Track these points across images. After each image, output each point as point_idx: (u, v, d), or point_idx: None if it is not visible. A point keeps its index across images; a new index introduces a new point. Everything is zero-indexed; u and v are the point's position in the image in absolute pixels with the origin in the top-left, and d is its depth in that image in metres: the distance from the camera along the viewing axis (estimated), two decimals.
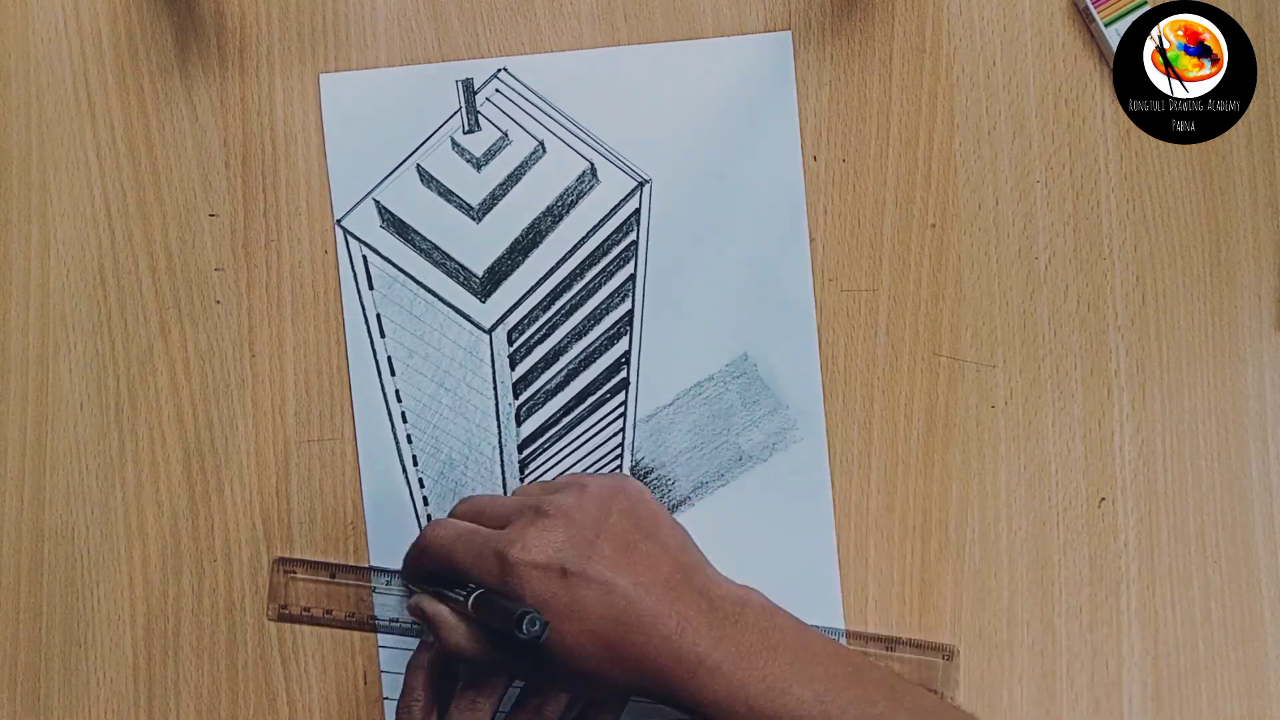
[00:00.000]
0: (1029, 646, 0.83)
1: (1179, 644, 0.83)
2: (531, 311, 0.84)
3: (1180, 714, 0.83)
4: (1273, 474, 0.84)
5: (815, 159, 0.84)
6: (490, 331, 0.84)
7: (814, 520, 0.84)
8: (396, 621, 0.84)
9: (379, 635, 0.84)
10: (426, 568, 0.77)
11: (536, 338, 0.84)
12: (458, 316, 0.84)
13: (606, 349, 0.84)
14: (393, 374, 0.84)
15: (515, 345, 0.84)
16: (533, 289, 0.84)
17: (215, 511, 0.85)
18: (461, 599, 0.72)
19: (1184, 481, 0.84)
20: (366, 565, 0.84)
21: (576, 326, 0.84)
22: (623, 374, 0.84)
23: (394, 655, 0.84)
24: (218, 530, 0.85)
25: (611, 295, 0.84)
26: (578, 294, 0.84)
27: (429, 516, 0.84)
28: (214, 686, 0.85)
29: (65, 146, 0.85)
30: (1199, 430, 0.84)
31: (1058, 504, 0.84)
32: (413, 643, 0.83)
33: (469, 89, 0.84)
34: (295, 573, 0.84)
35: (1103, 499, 0.84)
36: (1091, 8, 0.83)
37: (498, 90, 0.84)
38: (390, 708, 0.84)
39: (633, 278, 0.84)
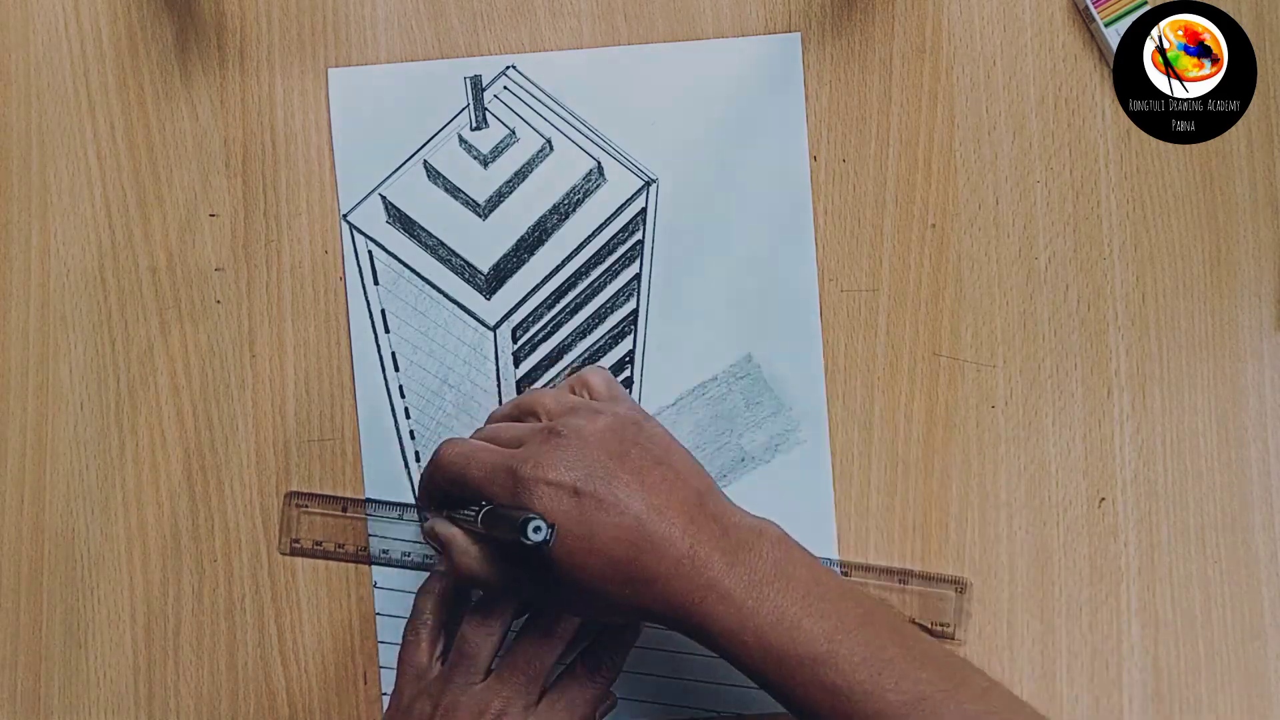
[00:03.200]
0: (1029, 646, 0.83)
1: (1179, 644, 0.83)
2: (536, 309, 0.84)
3: (1180, 714, 0.83)
4: (1273, 474, 0.84)
5: (815, 159, 0.84)
6: (495, 328, 0.84)
7: (815, 521, 0.84)
8: (409, 556, 0.85)
9: (374, 571, 0.85)
10: (440, 488, 0.76)
11: (541, 335, 0.84)
12: (462, 313, 0.84)
13: (610, 348, 0.84)
14: (396, 370, 0.84)
15: (519, 343, 0.84)
16: (538, 287, 0.84)
17: (215, 511, 0.85)
18: (472, 516, 0.72)
19: (1184, 481, 0.84)
20: (379, 499, 0.85)
21: (581, 325, 0.84)
22: (626, 373, 0.84)
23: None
24: (218, 530, 0.85)
25: (616, 294, 0.84)
26: (582, 292, 0.84)
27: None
28: (214, 686, 0.85)
29: (65, 146, 0.85)
30: (1199, 430, 0.84)
31: (1058, 504, 0.84)
32: (413, 579, 0.84)
33: (477, 86, 0.84)
34: (307, 506, 0.84)
35: (1103, 499, 0.84)
36: (1091, 8, 0.83)
37: (506, 88, 0.84)
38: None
39: (638, 277, 0.84)
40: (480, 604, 0.76)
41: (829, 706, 0.67)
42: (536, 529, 0.65)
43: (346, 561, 0.84)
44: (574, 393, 0.80)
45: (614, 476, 0.70)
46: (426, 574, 0.83)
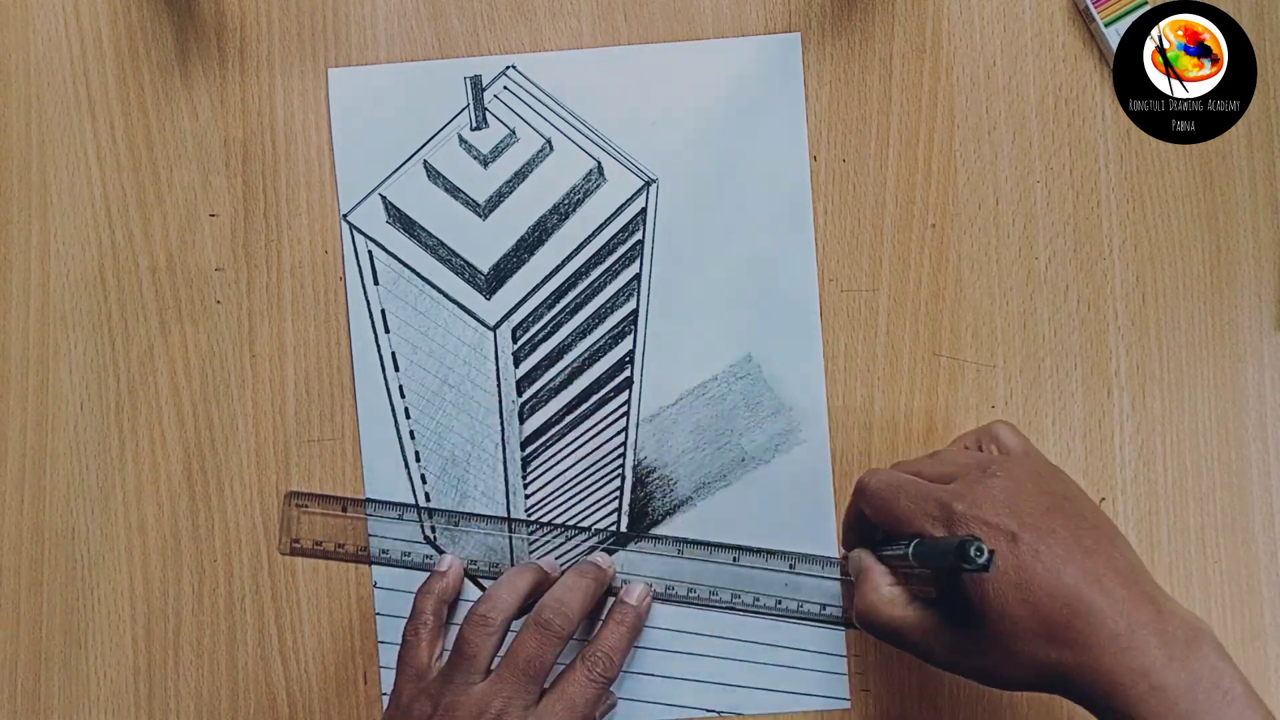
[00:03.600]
0: None
1: None
2: (536, 309, 0.84)
3: None
4: (1273, 474, 0.84)
5: (815, 159, 0.84)
6: (494, 328, 0.84)
7: (815, 521, 0.84)
8: (409, 556, 0.85)
9: (374, 571, 0.85)
10: (862, 518, 0.74)
11: (541, 335, 0.84)
12: (462, 313, 0.84)
13: (610, 348, 0.84)
14: (396, 370, 0.84)
15: (519, 343, 0.84)
16: (538, 287, 0.84)
17: (215, 511, 0.85)
18: (901, 551, 0.70)
19: (1184, 481, 0.84)
20: (378, 499, 0.85)
21: (581, 325, 0.84)
22: (626, 373, 0.84)
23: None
24: (218, 530, 0.85)
25: (616, 294, 0.84)
26: (583, 292, 0.84)
27: (430, 513, 0.84)
28: (214, 686, 0.85)
29: (65, 146, 0.85)
30: (1199, 430, 0.84)
31: None
32: (413, 579, 0.84)
33: (477, 86, 0.84)
34: (307, 506, 0.85)
35: (1103, 499, 0.84)
36: (1091, 8, 0.83)
37: (506, 88, 0.84)
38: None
39: (638, 277, 0.84)
40: (480, 604, 0.77)
41: None
42: (979, 550, 0.62)
43: (346, 561, 0.84)
44: (980, 446, 0.77)
45: (1051, 530, 0.67)
46: (426, 574, 0.83)
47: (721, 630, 0.84)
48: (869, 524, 0.75)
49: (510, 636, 0.77)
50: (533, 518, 0.85)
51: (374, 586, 0.84)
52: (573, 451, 0.85)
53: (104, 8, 0.86)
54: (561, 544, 0.85)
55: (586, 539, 0.84)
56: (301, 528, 0.84)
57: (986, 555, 0.62)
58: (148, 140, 0.85)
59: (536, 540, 0.85)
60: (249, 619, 0.85)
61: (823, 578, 0.83)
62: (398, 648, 0.79)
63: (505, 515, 0.85)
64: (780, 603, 0.83)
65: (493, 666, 0.76)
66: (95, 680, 0.85)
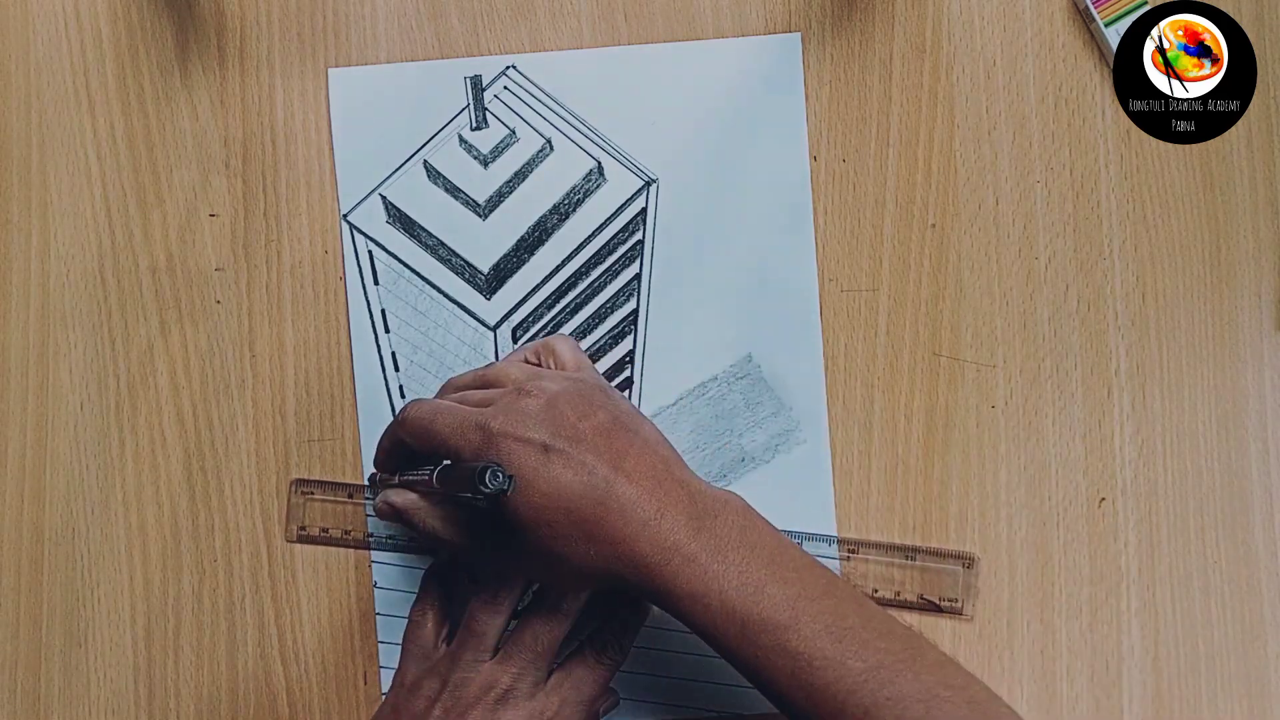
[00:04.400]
0: (1029, 646, 0.83)
1: (1179, 644, 0.83)
2: (536, 309, 0.84)
3: (1180, 714, 0.83)
4: (1273, 474, 0.84)
5: (815, 159, 0.84)
6: (495, 329, 0.84)
7: (815, 521, 0.84)
8: (415, 541, 0.85)
9: (373, 556, 0.85)
10: (400, 446, 0.76)
11: (541, 336, 0.84)
12: (462, 313, 0.84)
13: (610, 348, 0.84)
14: (396, 370, 0.84)
15: (520, 343, 0.84)
16: (538, 287, 0.84)
17: (215, 511, 0.85)
18: (426, 475, 0.72)
19: (1184, 481, 0.84)
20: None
21: (581, 325, 0.84)
22: (626, 373, 0.84)
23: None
24: (218, 530, 0.85)
25: (616, 294, 0.84)
26: (583, 292, 0.84)
27: None
28: (214, 686, 0.85)
29: (65, 146, 0.85)
30: (1199, 430, 0.84)
31: (1058, 504, 0.84)
32: (412, 582, 0.84)
33: (477, 86, 0.84)
34: (313, 494, 0.85)
35: (1103, 499, 0.84)
36: (1091, 8, 0.83)
37: (506, 88, 0.84)
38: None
39: (638, 277, 0.84)
40: (488, 584, 0.77)
41: (789, 672, 0.68)
42: (494, 476, 0.64)
43: (352, 548, 0.84)
44: (539, 359, 0.80)
45: (582, 437, 0.70)
46: (431, 560, 0.83)
47: None
48: (406, 452, 0.77)
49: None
50: None
51: (374, 587, 0.84)
52: None
53: (104, 8, 0.85)
54: None
55: None
56: (307, 515, 0.84)
57: (504, 479, 0.64)
58: (148, 140, 0.85)
59: None
60: (249, 619, 0.85)
61: None
62: (398, 646, 0.79)
63: None
64: None
65: (500, 645, 0.76)
66: (95, 680, 0.85)
